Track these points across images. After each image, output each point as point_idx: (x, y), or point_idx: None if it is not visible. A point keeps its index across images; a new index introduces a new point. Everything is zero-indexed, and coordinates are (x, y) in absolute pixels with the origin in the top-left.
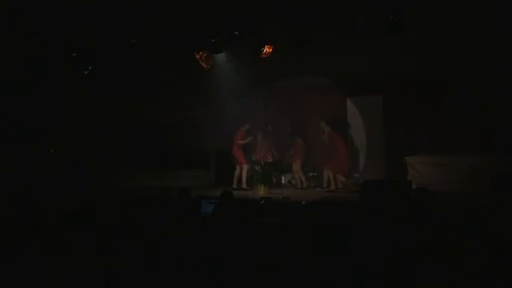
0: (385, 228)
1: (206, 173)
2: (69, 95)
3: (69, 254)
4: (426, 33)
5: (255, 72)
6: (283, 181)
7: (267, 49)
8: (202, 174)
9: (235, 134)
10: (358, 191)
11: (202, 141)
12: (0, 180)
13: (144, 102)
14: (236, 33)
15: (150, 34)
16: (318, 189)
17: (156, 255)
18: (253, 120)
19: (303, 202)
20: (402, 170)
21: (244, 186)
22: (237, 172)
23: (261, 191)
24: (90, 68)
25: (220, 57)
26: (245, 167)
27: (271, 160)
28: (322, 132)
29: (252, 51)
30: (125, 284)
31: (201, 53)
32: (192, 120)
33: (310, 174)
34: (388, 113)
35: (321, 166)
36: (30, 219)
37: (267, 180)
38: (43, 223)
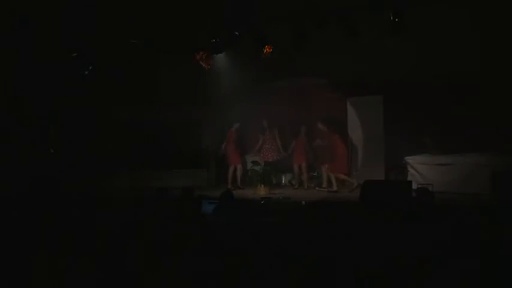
0: (385, 229)
1: (206, 173)
2: (69, 95)
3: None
4: (426, 33)
5: (255, 72)
6: (283, 181)
7: (267, 49)
8: (202, 174)
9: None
10: (358, 191)
11: (202, 141)
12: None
13: (144, 102)
14: (236, 33)
15: (150, 34)
16: (317, 188)
17: (157, 256)
18: (253, 120)
19: (303, 202)
20: (402, 170)
21: (239, 184)
22: (230, 172)
23: (261, 191)
24: (90, 68)
25: (220, 57)
26: (239, 167)
27: (272, 159)
28: (320, 133)
29: (252, 51)
30: (125, 284)
31: (201, 53)
32: (192, 120)
33: (310, 174)
34: (388, 113)
35: (320, 166)
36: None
37: (267, 180)
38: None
